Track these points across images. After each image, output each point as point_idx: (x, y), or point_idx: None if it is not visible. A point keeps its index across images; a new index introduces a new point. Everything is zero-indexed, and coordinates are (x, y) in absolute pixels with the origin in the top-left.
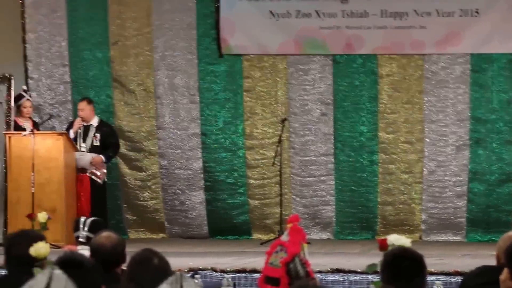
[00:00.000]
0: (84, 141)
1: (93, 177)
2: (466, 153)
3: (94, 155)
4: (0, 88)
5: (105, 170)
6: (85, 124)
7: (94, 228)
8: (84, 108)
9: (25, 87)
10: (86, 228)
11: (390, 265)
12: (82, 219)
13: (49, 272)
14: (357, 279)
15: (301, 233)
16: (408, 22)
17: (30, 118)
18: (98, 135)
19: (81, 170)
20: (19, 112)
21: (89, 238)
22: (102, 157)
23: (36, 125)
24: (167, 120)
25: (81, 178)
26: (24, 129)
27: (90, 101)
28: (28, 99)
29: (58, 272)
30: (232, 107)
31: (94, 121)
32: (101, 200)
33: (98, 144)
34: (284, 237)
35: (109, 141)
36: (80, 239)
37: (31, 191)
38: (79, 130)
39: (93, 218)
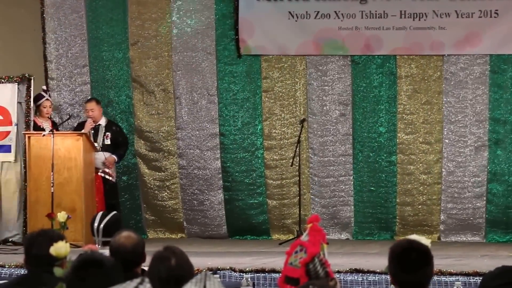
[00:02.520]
0: (95, 141)
1: (106, 176)
2: (485, 154)
3: (107, 154)
4: (20, 88)
5: (115, 169)
6: (94, 124)
7: (108, 233)
8: (94, 108)
9: (44, 87)
10: (100, 235)
11: (398, 257)
12: (95, 224)
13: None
14: (376, 279)
15: (321, 233)
16: (428, 23)
17: (49, 118)
18: (109, 134)
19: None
20: (38, 112)
21: (106, 242)
22: (114, 157)
23: (55, 125)
24: (186, 120)
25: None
26: (43, 129)
27: (98, 102)
28: (47, 99)
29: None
30: (250, 108)
31: (103, 121)
32: (115, 199)
33: (109, 142)
34: (304, 237)
35: (119, 140)
36: (97, 245)
37: (51, 191)
38: (91, 131)
39: (105, 222)
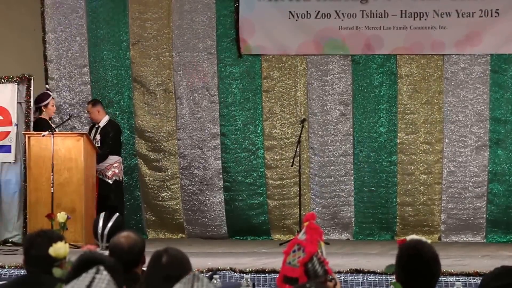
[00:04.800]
0: None
1: (100, 176)
2: (486, 154)
3: None
4: (20, 89)
5: (116, 170)
6: (97, 125)
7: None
8: (89, 110)
9: (47, 86)
10: (104, 241)
11: (405, 265)
12: (100, 227)
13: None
14: (376, 279)
15: (318, 231)
16: (428, 23)
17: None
18: (98, 136)
19: None
20: (45, 110)
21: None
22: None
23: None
24: (187, 120)
25: None
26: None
27: (95, 104)
28: (53, 98)
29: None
30: (251, 108)
31: (102, 122)
32: (109, 200)
33: (98, 145)
34: (301, 236)
35: (105, 140)
36: (100, 250)
37: (51, 191)
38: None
39: (109, 228)
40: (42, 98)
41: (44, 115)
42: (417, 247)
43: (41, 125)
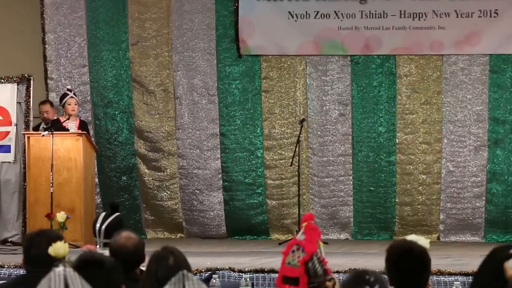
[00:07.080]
0: None
1: None
2: (485, 154)
3: None
4: (19, 89)
5: None
6: (44, 125)
7: (109, 234)
8: (48, 110)
9: (69, 87)
10: (102, 236)
11: (395, 263)
12: (97, 225)
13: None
14: None
15: (316, 231)
16: (427, 23)
17: (77, 116)
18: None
19: None
20: (63, 110)
21: (107, 244)
22: None
23: (84, 125)
24: (186, 120)
25: None
26: (67, 129)
27: (52, 104)
28: (72, 97)
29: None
30: (250, 108)
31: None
32: None
33: None
34: (300, 236)
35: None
36: (98, 246)
37: (50, 191)
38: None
39: (107, 224)
40: (60, 98)
41: (64, 115)
42: (405, 245)
43: (52, 125)
